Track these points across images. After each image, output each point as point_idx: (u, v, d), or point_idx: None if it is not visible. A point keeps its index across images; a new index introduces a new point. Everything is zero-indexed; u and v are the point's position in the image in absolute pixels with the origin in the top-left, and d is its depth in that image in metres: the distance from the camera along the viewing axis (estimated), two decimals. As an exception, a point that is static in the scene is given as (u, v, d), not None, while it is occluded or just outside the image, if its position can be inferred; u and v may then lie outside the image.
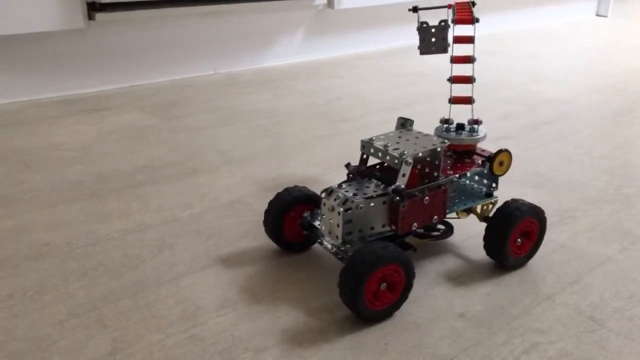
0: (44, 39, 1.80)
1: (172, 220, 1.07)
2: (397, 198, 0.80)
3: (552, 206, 1.12)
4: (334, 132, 1.57)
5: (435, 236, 0.93)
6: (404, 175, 0.80)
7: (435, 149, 0.84)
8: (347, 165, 0.91)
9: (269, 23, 2.29)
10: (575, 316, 0.81)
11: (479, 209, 0.93)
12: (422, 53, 0.96)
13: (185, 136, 1.52)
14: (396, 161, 0.82)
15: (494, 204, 0.94)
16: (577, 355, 0.73)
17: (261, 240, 0.99)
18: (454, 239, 0.99)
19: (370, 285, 0.75)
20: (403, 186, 0.80)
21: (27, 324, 0.78)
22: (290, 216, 0.92)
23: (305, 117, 1.68)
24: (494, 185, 0.93)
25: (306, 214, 0.91)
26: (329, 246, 0.86)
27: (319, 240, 0.89)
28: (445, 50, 0.96)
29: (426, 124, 1.38)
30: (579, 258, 0.95)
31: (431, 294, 0.86)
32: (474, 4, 0.98)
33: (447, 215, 0.89)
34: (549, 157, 1.38)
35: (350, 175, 0.90)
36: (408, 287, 0.79)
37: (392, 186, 0.80)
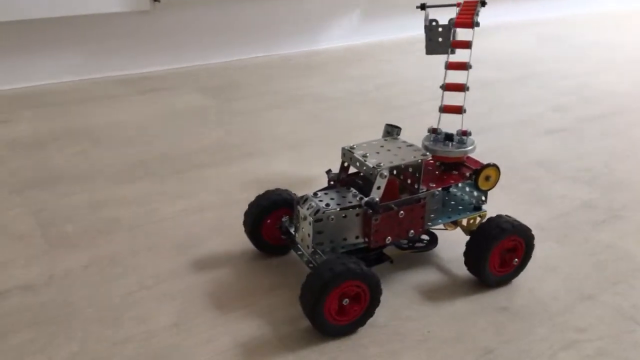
0: (111, 20, 1.89)
1: (231, 202, 1.13)
2: (370, 211, 0.78)
3: (602, 204, 1.13)
4: (383, 120, 1.58)
5: (417, 248, 0.90)
6: (378, 187, 0.78)
7: (416, 161, 0.82)
8: (328, 172, 0.89)
9: (323, 5, 2.32)
10: (616, 316, 0.83)
11: (465, 222, 0.91)
12: (427, 53, 0.94)
13: (241, 119, 1.58)
14: (371, 173, 0.80)
15: (482, 217, 0.90)
16: (615, 355, 0.76)
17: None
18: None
19: (330, 302, 0.74)
20: (377, 199, 0.78)
21: (102, 293, 0.86)
22: (270, 219, 0.91)
23: (355, 104, 1.72)
24: (483, 198, 0.90)
25: (285, 219, 0.89)
26: (303, 253, 0.84)
27: (293, 247, 0.87)
28: (452, 52, 0.93)
29: (475, 114, 1.39)
30: (625, 259, 0.96)
31: (477, 286, 0.89)
32: (483, 3, 0.94)
33: (434, 227, 0.88)
34: (602, 152, 1.37)
35: (332, 183, 0.89)
36: (373, 302, 0.77)
37: (366, 199, 0.79)
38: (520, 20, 2.89)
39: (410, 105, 1.70)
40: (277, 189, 0.93)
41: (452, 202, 0.92)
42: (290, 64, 2.14)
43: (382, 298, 0.85)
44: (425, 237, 0.92)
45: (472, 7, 0.93)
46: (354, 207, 0.80)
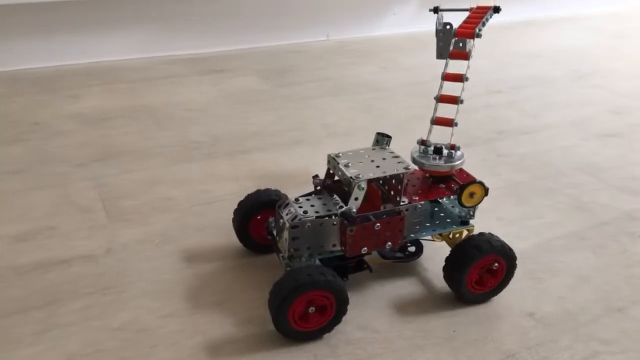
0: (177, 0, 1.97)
1: (277, 188, 1.18)
2: (345, 222, 0.79)
3: (645, 216, 1.12)
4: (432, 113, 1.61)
5: (399, 258, 0.92)
6: (356, 198, 0.79)
7: (397, 174, 0.82)
8: (314, 177, 0.90)
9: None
10: (644, 331, 0.84)
11: (450, 235, 0.90)
12: (437, 57, 0.93)
13: (294, 105, 1.63)
14: (349, 183, 0.81)
15: (470, 232, 0.90)
16: (637, 370, 0.78)
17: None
18: (519, 242, 1.02)
19: (294, 309, 0.76)
20: (354, 210, 0.79)
21: (154, 268, 0.94)
22: (258, 218, 0.93)
23: (408, 95, 1.73)
24: (471, 212, 0.89)
25: (271, 219, 0.90)
26: (283, 256, 0.85)
27: (276, 249, 0.88)
28: (466, 57, 0.91)
29: (524, 113, 1.37)
30: (661, 274, 0.96)
31: (506, 290, 0.92)
32: (497, 10, 0.92)
33: (421, 239, 0.89)
34: (655, 161, 1.35)
35: (318, 188, 0.89)
36: (340, 312, 0.79)
37: (342, 209, 0.80)
38: (579, 13, 2.79)
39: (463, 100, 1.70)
40: (268, 189, 0.95)
41: (442, 215, 0.91)
42: (347, 50, 2.17)
43: (412, 293, 0.89)
44: (411, 247, 0.93)
45: (482, 13, 0.91)
46: (331, 216, 0.81)
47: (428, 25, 2.42)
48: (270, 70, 1.91)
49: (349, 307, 0.80)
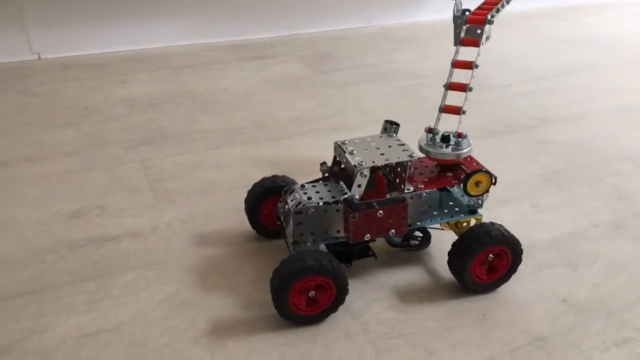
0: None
1: (314, 173, 1.21)
2: (348, 208, 0.80)
3: (689, 206, 1.10)
4: (475, 101, 1.59)
5: (408, 246, 0.92)
6: (359, 185, 0.80)
7: (401, 163, 0.82)
8: (322, 165, 0.91)
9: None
10: (679, 321, 0.83)
11: (457, 225, 0.90)
12: (455, 44, 0.92)
13: (334, 91, 1.65)
14: (352, 171, 0.81)
15: (478, 221, 0.89)
16: (670, 358, 0.77)
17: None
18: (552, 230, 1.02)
19: (293, 294, 0.78)
20: (357, 197, 0.80)
21: (197, 246, 0.99)
22: (269, 204, 0.95)
23: (450, 81, 1.72)
24: (480, 202, 0.89)
25: (280, 205, 0.91)
26: (288, 242, 0.86)
27: (283, 234, 0.89)
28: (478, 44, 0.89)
29: (572, 100, 1.35)
30: (702, 264, 0.95)
31: (538, 275, 0.92)
32: None
33: (428, 227, 0.90)
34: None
35: (326, 175, 0.90)
36: (339, 297, 0.80)
37: (345, 195, 0.81)
38: (625, 0, 2.69)
39: (503, 87, 1.69)
40: (274, 176, 0.96)
41: (450, 203, 0.91)
42: (388, 36, 2.17)
43: (443, 277, 0.91)
44: (419, 234, 0.93)
45: (496, 1, 0.89)
46: (335, 202, 0.82)
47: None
48: (312, 57, 1.93)
49: (382, 286, 0.83)
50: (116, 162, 1.26)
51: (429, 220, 0.88)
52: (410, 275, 0.92)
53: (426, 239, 0.94)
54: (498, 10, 0.89)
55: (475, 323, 0.83)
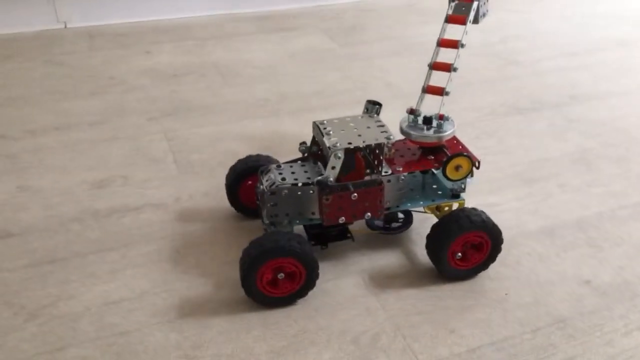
0: (245, -42, 1.98)
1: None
2: (321, 190, 0.79)
3: None
4: (502, 76, 1.57)
5: (386, 229, 0.91)
6: (333, 167, 0.78)
7: (379, 144, 0.80)
8: (301, 144, 0.89)
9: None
10: None
11: (438, 208, 0.88)
12: (445, 22, 0.88)
13: (359, 64, 1.63)
14: (327, 152, 0.79)
15: (461, 205, 0.87)
16: (695, 344, 0.76)
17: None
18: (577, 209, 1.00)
19: (262, 275, 0.77)
20: (332, 179, 0.78)
21: (217, 219, 0.99)
22: (248, 183, 0.93)
23: (476, 55, 1.69)
24: (462, 186, 0.86)
25: (257, 185, 0.88)
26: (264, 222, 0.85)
27: (259, 214, 0.87)
28: (476, 21, 0.87)
29: (604, 77, 1.30)
30: None
31: (563, 257, 0.91)
32: None
33: (408, 209, 0.87)
34: None
35: (305, 155, 0.88)
36: (309, 280, 0.79)
37: (318, 177, 0.79)
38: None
39: (533, 63, 1.64)
40: (258, 155, 0.95)
41: (434, 186, 0.89)
42: (416, 8, 2.12)
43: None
44: (401, 216, 0.92)
45: None
46: (309, 184, 0.81)
47: (503, -18, 2.32)
48: (337, 29, 1.90)
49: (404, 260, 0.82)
50: (140, 132, 1.27)
51: (409, 204, 0.86)
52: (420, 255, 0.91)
53: (407, 221, 0.92)
54: None
55: (497, 302, 0.82)
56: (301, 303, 0.82)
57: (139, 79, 1.52)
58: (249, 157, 0.95)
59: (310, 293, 0.82)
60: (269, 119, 1.33)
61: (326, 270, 0.86)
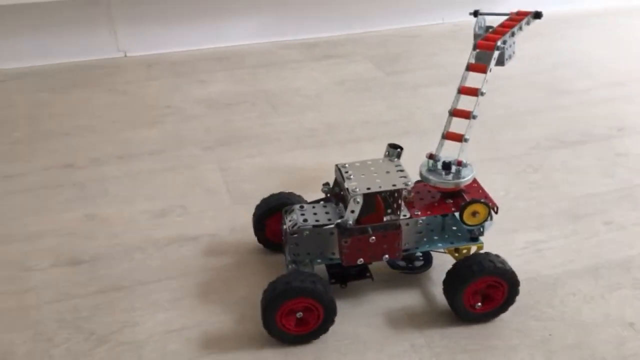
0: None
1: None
2: (341, 233, 0.82)
3: None
4: (550, 106, 1.58)
5: (408, 268, 0.94)
6: (352, 211, 0.82)
7: (396, 190, 0.83)
8: (324, 185, 0.92)
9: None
10: None
11: (456, 251, 0.90)
12: (476, 61, 0.90)
13: (404, 94, 1.66)
14: (347, 196, 0.82)
15: (479, 248, 0.89)
16: None
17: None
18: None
19: (281, 315, 0.81)
20: (351, 222, 0.82)
21: (268, 251, 1.04)
22: (275, 219, 0.97)
23: (522, 85, 1.70)
24: (481, 229, 0.88)
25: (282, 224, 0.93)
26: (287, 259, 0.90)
27: (283, 251, 0.92)
28: (502, 63, 0.88)
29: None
30: None
31: (607, 298, 0.92)
32: (538, 15, 0.88)
33: (430, 250, 0.90)
34: None
35: (328, 195, 0.92)
36: (327, 319, 0.82)
37: (338, 220, 0.83)
38: None
39: (581, 92, 1.65)
40: (281, 193, 0.99)
41: (454, 228, 0.91)
42: (460, 35, 2.14)
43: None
44: (420, 255, 0.95)
45: (519, 20, 0.86)
46: (329, 225, 0.85)
47: (552, 6, 2.32)
48: (382, 56, 1.94)
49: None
50: (195, 162, 1.34)
51: (427, 245, 0.89)
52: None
53: (427, 261, 0.95)
54: (513, 34, 0.88)
55: (541, 343, 0.84)
56: (351, 337, 0.86)
57: (195, 108, 1.59)
58: (272, 196, 1.00)
59: (344, 330, 0.86)
60: (317, 149, 1.38)
61: (365, 308, 0.90)
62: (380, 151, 1.39)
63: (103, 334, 0.88)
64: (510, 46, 0.90)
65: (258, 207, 1.01)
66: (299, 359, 0.83)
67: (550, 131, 1.44)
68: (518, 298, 0.91)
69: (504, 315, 0.89)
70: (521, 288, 0.93)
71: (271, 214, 0.98)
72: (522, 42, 2.01)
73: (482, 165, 1.30)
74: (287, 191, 1.01)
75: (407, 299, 0.92)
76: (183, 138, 1.44)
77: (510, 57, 0.91)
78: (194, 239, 1.08)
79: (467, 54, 1.99)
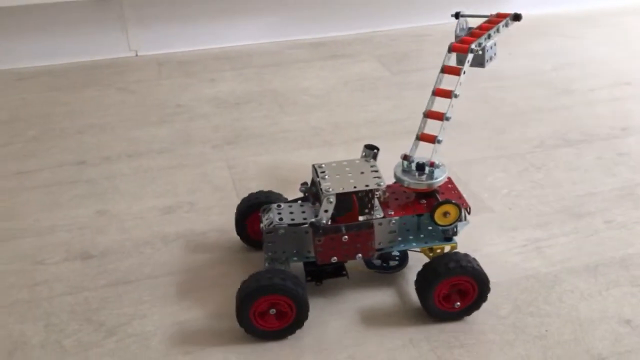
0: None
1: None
2: (314, 232, 0.84)
3: None
4: (554, 105, 1.59)
5: (383, 268, 0.95)
6: (325, 211, 0.84)
7: (369, 190, 0.85)
8: (302, 185, 0.94)
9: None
10: None
11: (431, 250, 0.91)
12: (457, 63, 0.91)
13: (410, 93, 1.68)
14: (320, 195, 0.85)
15: (453, 248, 0.91)
16: None
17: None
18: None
19: (255, 309, 0.83)
20: (324, 221, 0.84)
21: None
22: (255, 218, 0.99)
23: (528, 84, 1.71)
24: (455, 229, 0.90)
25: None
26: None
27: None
28: (482, 65, 0.89)
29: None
30: None
31: (605, 295, 0.94)
32: (517, 17, 0.88)
33: (401, 250, 0.92)
34: None
35: (306, 194, 0.94)
36: (300, 316, 0.84)
37: (312, 219, 0.85)
38: None
39: (585, 92, 1.65)
40: (260, 192, 1.02)
41: (429, 228, 0.93)
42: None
43: (511, 292, 0.94)
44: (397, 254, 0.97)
45: (497, 22, 0.87)
46: (304, 224, 0.87)
47: (559, 5, 2.32)
48: (389, 56, 1.96)
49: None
50: (203, 160, 1.37)
51: (402, 245, 0.91)
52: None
53: (403, 261, 0.97)
54: (489, 37, 0.89)
55: (537, 339, 0.86)
56: (354, 329, 0.88)
57: (204, 107, 1.62)
58: (251, 195, 1.01)
59: (354, 323, 0.89)
60: (322, 148, 1.41)
61: (370, 300, 0.92)
62: (385, 151, 1.41)
63: (112, 325, 0.91)
64: (492, 47, 0.91)
65: (239, 207, 1.02)
66: (297, 352, 0.86)
67: (554, 130, 1.45)
68: (516, 295, 0.93)
69: (501, 312, 0.91)
70: (519, 285, 0.96)
71: (251, 212, 1.00)
72: (528, 40, 2.03)
73: (486, 163, 1.33)
74: (266, 190, 1.03)
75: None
76: (192, 136, 1.47)
77: (491, 58, 0.92)
78: (201, 234, 1.11)
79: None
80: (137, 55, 2.00)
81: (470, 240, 1.06)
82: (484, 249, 1.04)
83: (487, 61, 0.91)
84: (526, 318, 0.90)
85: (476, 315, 0.90)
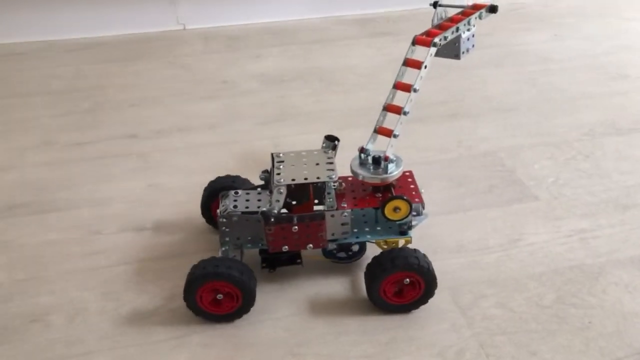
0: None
1: (427, 162, 1.27)
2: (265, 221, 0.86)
3: None
4: (607, 91, 1.56)
5: (338, 258, 0.96)
6: (277, 200, 0.85)
7: (320, 182, 0.86)
8: (263, 172, 0.95)
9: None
10: None
11: (385, 243, 0.91)
12: (435, 55, 0.89)
13: (455, 75, 1.66)
14: (272, 185, 0.86)
15: (407, 242, 0.91)
16: None
17: (506, 194, 1.15)
18: None
19: (202, 295, 0.85)
20: (275, 211, 0.85)
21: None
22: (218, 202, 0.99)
23: (580, 68, 1.67)
24: (410, 224, 0.90)
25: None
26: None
27: None
28: (457, 57, 0.88)
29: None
30: None
31: (649, 289, 0.94)
32: (493, 9, 0.86)
33: (357, 241, 0.92)
34: None
35: (265, 182, 0.94)
36: (246, 301, 0.86)
37: (263, 208, 0.86)
38: None
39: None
40: (228, 176, 1.03)
41: (380, 222, 0.93)
42: (520, 13, 2.11)
43: (555, 282, 0.95)
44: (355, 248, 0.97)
45: (470, 14, 0.86)
46: (255, 213, 0.89)
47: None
48: (437, 35, 1.93)
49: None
50: (250, 137, 1.39)
51: (358, 237, 0.91)
52: (527, 274, 0.97)
53: (360, 251, 0.98)
54: (458, 29, 0.87)
55: (580, 330, 0.87)
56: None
57: (250, 83, 1.65)
58: (217, 179, 1.03)
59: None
60: (366, 128, 1.40)
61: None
62: (427, 133, 1.41)
63: (166, 296, 0.95)
64: (469, 39, 0.90)
65: (205, 190, 1.04)
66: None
67: (605, 118, 1.42)
68: (559, 285, 0.94)
69: (544, 301, 0.92)
70: (563, 275, 0.96)
71: (216, 196, 1.01)
72: (580, 22, 1.97)
73: (532, 150, 1.32)
74: (233, 174, 1.04)
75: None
76: (239, 112, 1.50)
77: (468, 50, 0.91)
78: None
79: (525, 35, 1.97)
80: (184, 28, 2.03)
81: (514, 229, 1.07)
82: (528, 238, 1.04)
83: (463, 53, 0.90)
84: (569, 309, 0.90)
85: (519, 303, 0.91)
